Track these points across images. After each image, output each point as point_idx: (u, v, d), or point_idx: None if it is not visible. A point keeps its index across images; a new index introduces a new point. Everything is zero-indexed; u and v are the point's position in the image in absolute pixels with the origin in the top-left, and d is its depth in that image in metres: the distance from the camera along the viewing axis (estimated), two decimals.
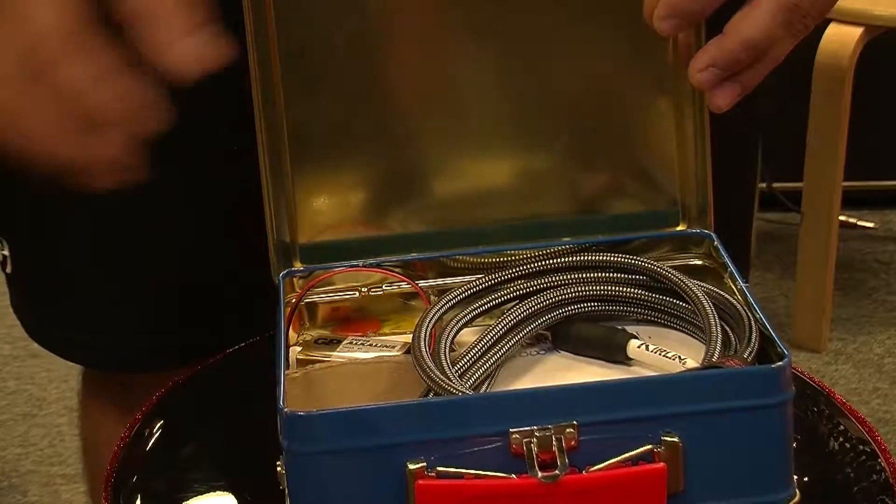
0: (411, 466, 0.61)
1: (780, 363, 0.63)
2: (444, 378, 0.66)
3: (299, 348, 0.74)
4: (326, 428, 0.61)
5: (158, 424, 0.78)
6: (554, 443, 0.61)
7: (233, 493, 0.73)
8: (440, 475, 0.61)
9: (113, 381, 1.00)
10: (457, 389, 0.66)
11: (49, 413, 2.02)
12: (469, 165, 0.77)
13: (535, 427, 0.61)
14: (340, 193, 0.77)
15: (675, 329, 0.75)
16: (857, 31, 1.95)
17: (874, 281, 2.35)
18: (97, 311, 0.93)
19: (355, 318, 0.76)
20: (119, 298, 0.93)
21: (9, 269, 0.96)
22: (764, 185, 2.34)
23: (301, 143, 0.75)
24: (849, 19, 1.94)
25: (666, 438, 0.62)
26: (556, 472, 0.60)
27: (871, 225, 2.44)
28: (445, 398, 0.65)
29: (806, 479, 0.68)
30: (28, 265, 0.95)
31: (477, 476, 0.61)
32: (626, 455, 0.61)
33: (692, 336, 0.74)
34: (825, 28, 1.96)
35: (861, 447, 0.73)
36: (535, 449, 0.61)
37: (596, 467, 0.61)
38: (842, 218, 2.22)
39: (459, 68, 0.75)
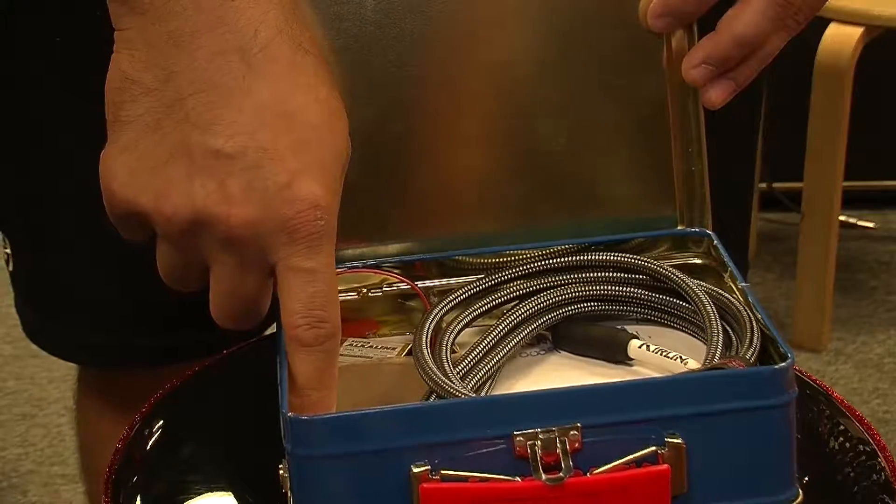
0: (415, 470, 0.61)
1: (784, 364, 0.63)
2: (446, 381, 0.66)
3: None
4: (330, 432, 0.61)
5: (158, 424, 0.78)
6: (558, 445, 0.61)
7: (233, 494, 0.72)
8: (444, 478, 0.61)
9: (109, 381, 1.00)
10: (459, 392, 0.66)
11: (49, 413, 2.02)
12: (468, 165, 0.77)
13: (539, 429, 0.61)
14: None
15: (676, 329, 0.75)
16: (857, 31, 1.95)
17: (874, 281, 2.35)
18: (94, 310, 0.93)
19: (354, 319, 0.75)
20: (116, 297, 0.93)
21: (11, 268, 0.96)
22: (764, 185, 2.34)
23: None
24: (849, 19, 1.94)
25: (669, 440, 0.62)
26: (561, 474, 0.60)
27: (871, 225, 2.44)
28: (449, 401, 0.65)
29: (806, 479, 0.68)
30: (28, 264, 0.95)
31: (481, 479, 0.61)
32: (630, 457, 0.61)
33: (693, 336, 0.74)
34: (825, 28, 1.96)
35: (861, 447, 0.73)
36: (539, 451, 0.61)
37: (600, 469, 0.61)
38: (842, 218, 2.22)
39: (457, 70, 0.75)
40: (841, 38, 1.95)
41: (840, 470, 0.72)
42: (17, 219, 0.94)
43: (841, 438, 0.74)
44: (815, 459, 0.72)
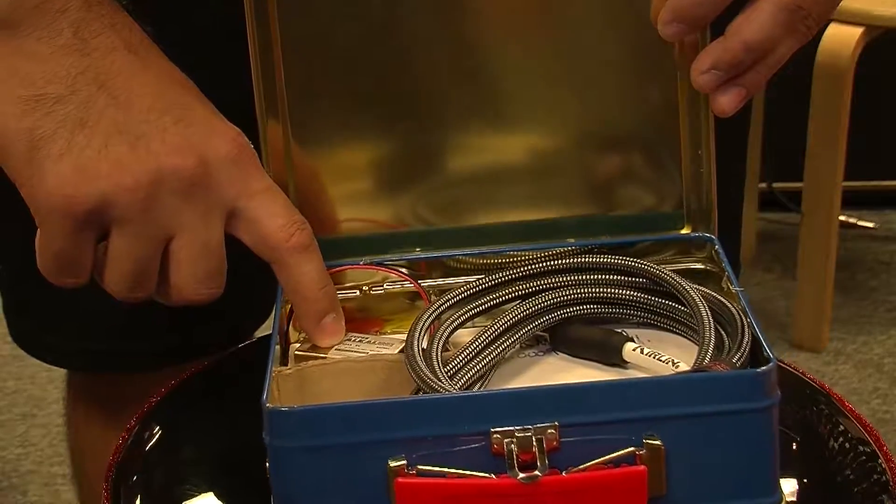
0: (392, 464, 0.61)
1: (765, 368, 0.63)
2: (432, 377, 0.66)
3: (298, 344, 0.74)
4: (307, 424, 0.62)
5: (158, 424, 0.78)
6: (534, 443, 0.61)
7: (232, 493, 0.73)
8: (420, 473, 0.61)
9: (96, 386, 0.99)
10: (444, 388, 0.66)
11: (49, 413, 2.02)
12: (472, 164, 0.77)
13: (516, 427, 0.61)
14: (342, 191, 0.77)
15: (674, 333, 0.75)
16: (857, 31, 1.94)
17: (874, 281, 2.35)
18: (80, 315, 0.93)
19: (358, 318, 0.76)
20: (102, 302, 0.92)
21: None
22: (764, 185, 2.34)
23: (302, 142, 0.75)
24: (849, 19, 1.94)
25: (648, 441, 0.62)
26: (536, 472, 0.60)
27: (871, 225, 2.44)
28: (427, 397, 0.65)
29: (806, 479, 0.68)
30: (15, 268, 0.94)
31: (457, 475, 0.61)
32: (607, 457, 0.61)
33: (690, 340, 0.74)
34: (825, 28, 1.96)
35: (861, 447, 0.73)
36: (514, 449, 0.61)
37: (576, 469, 0.61)
38: (842, 218, 2.21)
39: (462, 68, 0.75)
40: (841, 38, 1.94)
41: (840, 470, 0.72)
42: (8, 222, 0.93)
43: (841, 438, 0.74)
44: (815, 459, 0.72)
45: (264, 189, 0.69)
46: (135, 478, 0.74)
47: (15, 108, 0.67)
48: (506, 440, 0.61)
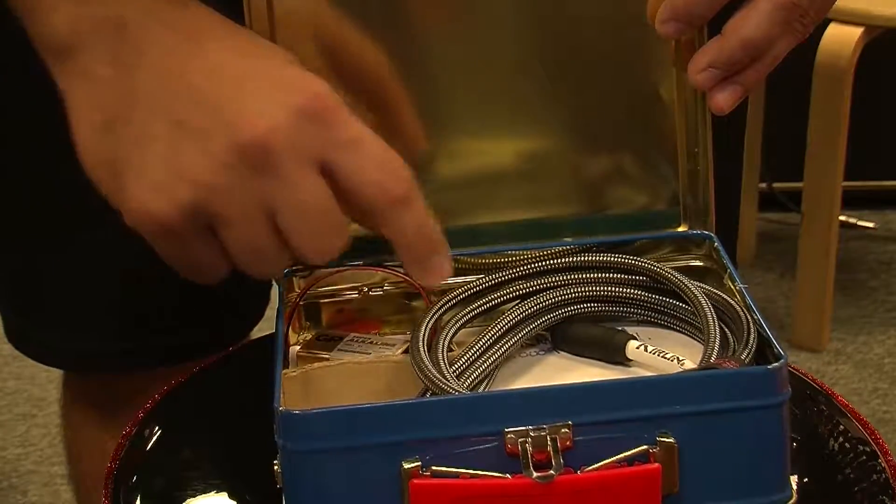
0: (406, 466, 0.61)
1: (776, 364, 0.63)
2: (440, 378, 0.66)
3: (298, 347, 0.74)
4: (321, 427, 0.62)
5: (159, 424, 0.78)
6: (549, 443, 0.61)
7: (232, 493, 0.73)
8: (435, 474, 0.61)
9: (94, 387, 0.99)
10: (453, 389, 0.66)
11: (49, 413, 2.02)
12: (469, 164, 0.77)
13: (530, 427, 0.61)
14: None
15: (675, 330, 0.75)
16: (857, 31, 1.94)
17: (874, 281, 2.35)
18: (74, 316, 0.93)
19: (357, 319, 0.76)
20: (96, 302, 0.92)
21: None
22: (764, 185, 2.34)
23: None
24: (849, 19, 1.94)
25: (661, 439, 0.62)
26: (551, 472, 0.60)
27: (871, 225, 2.44)
28: (441, 398, 0.65)
29: (806, 479, 0.68)
30: (10, 267, 0.94)
31: (471, 476, 0.61)
32: (621, 455, 0.62)
33: (692, 337, 0.74)
34: (825, 28, 1.96)
35: (861, 447, 0.73)
36: (529, 449, 0.61)
37: (590, 467, 0.61)
38: (842, 218, 2.22)
39: (461, 69, 0.75)
40: (841, 38, 1.94)
41: (840, 470, 0.72)
42: (3, 223, 0.93)
43: (841, 439, 0.74)
44: (815, 460, 0.72)
45: (352, 140, 0.64)
46: (134, 478, 0.74)
47: (92, 136, 0.65)
48: (520, 440, 0.61)
